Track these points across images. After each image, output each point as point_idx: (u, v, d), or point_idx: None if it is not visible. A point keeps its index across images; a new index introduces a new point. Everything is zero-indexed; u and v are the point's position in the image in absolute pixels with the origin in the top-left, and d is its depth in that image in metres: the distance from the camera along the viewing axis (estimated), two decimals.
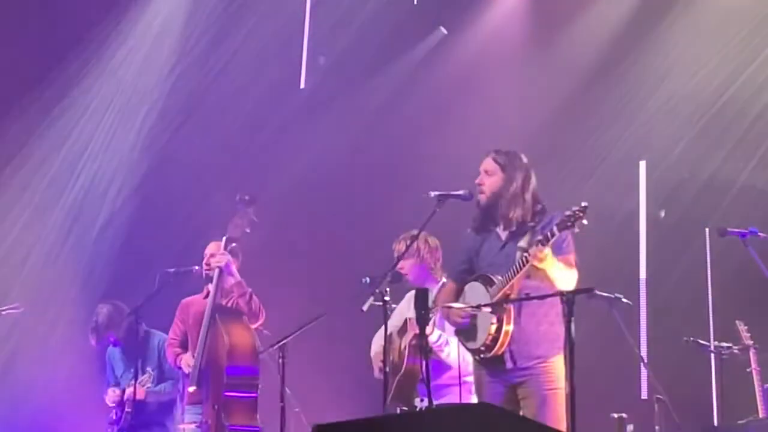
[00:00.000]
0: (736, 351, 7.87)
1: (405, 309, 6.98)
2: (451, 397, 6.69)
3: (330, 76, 10.75)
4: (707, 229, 9.40)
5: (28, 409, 10.03)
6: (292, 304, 8.42)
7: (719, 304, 9.30)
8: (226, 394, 7.28)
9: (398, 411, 6.81)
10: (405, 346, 6.80)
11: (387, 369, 6.19)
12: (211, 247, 7.74)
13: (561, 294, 5.43)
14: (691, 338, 8.05)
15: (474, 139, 10.26)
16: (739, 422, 7.72)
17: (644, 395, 9.21)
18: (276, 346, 6.97)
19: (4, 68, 10.13)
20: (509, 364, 5.92)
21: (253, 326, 7.53)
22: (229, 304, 7.62)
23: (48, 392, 10.05)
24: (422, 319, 6.01)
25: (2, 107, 10.28)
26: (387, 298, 6.17)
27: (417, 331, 6.51)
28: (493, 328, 5.83)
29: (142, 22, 10.69)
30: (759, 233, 7.41)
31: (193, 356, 7.52)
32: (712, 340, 8.44)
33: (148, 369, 8.34)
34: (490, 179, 6.08)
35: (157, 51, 10.69)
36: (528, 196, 6.05)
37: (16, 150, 10.45)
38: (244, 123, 10.57)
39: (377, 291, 6.19)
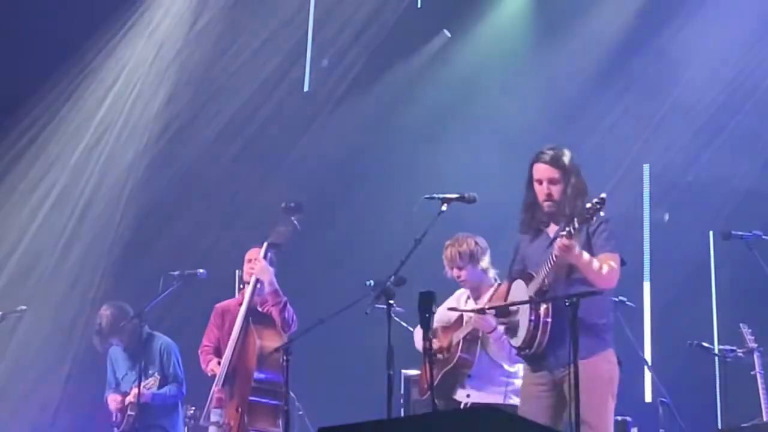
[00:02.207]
0: (740, 354, 7.85)
1: (453, 305, 6.99)
2: (496, 397, 6.72)
3: (333, 79, 10.75)
4: (711, 232, 9.41)
5: (33, 410, 10.04)
6: (295, 307, 8.41)
7: (723, 307, 9.30)
8: (253, 398, 7.26)
9: (433, 406, 6.71)
10: (459, 341, 6.81)
11: (433, 364, 6.21)
12: (251, 253, 7.64)
13: (566, 297, 5.44)
14: (695, 341, 8.04)
15: (478, 142, 10.30)
16: (743, 425, 7.70)
17: (648, 398, 9.21)
18: (280, 349, 6.95)
19: (5, 72, 10.14)
20: (551, 360, 5.83)
21: (285, 335, 7.45)
22: (264, 311, 7.57)
23: (52, 393, 10.06)
24: (426, 322, 6.00)
25: (8, 110, 10.28)
26: (391, 301, 6.16)
27: (475, 327, 6.67)
28: (531, 324, 5.83)
29: (146, 26, 10.70)
30: (763, 236, 7.41)
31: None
32: (716, 343, 8.45)
33: (150, 371, 8.32)
34: (557, 188, 5.99)
35: (161, 55, 10.70)
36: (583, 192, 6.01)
37: (23, 152, 10.46)
38: (248, 125, 10.57)
39: (381, 294, 6.19)
